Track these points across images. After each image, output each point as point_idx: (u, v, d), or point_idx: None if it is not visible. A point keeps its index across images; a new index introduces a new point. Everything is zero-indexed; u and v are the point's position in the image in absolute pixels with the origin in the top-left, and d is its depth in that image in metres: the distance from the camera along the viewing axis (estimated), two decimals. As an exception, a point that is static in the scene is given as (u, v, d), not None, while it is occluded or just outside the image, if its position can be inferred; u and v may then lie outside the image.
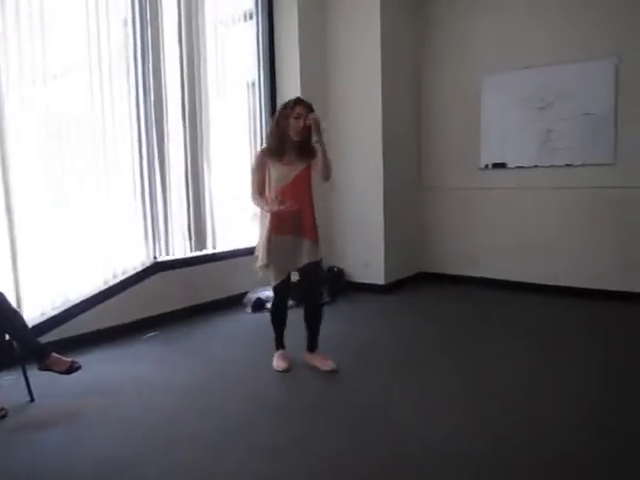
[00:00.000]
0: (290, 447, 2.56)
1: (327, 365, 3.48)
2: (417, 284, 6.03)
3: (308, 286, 3.52)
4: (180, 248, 4.82)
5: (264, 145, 3.63)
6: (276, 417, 2.89)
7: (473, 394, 3.11)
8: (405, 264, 6.03)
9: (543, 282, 5.42)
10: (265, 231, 3.36)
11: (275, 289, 3.54)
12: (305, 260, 3.39)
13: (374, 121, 5.51)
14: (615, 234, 5.08)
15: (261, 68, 5.52)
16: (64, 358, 3.16)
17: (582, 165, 5.20)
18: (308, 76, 5.50)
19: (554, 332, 4.26)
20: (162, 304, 4.58)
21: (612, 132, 5.02)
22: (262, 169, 3.38)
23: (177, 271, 4.71)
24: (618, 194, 5.02)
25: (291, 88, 5.37)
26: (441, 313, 4.93)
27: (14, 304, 3.37)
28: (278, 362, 3.58)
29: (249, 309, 5.03)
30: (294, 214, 3.28)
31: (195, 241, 4.93)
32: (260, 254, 3.41)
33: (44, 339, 3.54)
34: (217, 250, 5.11)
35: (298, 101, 3.33)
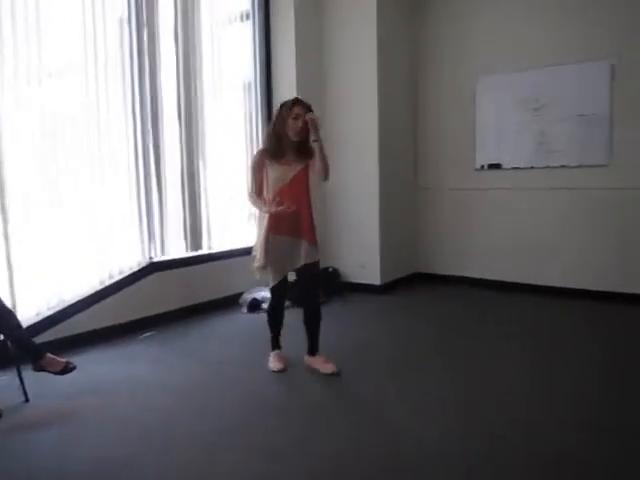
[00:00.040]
0: (286, 447, 2.56)
1: (328, 368, 3.45)
2: (413, 284, 6.04)
3: (306, 287, 3.51)
4: (176, 248, 4.81)
5: (262, 145, 3.62)
6: (272, 417, 2.89)
7: (469, 394, 3.11)
8: (401, 264, 6.03)
9: (538, 283, 5.43)
10: (263, 231, 3.36)
11: (272, 290, 3.53)
12: (303, 261, 3.38)
13: (370, 122, 5.52)
14: (610, 235, 5.10)
15: (257, 69, 5.52)
16: (59, 359, 3.16)
17: (578, 166, 5.21)
18: (304, 77, 5.50)
19: (550, 333, 4.27)
20: (158, 304, 4.57)
21: (607, 133, 5.05)
22: (260, 170, 3.38)
23: (173, 271, 4.71)
24: (613, 195, 5.04)
25: (287, 89, 5.37)
26: (437, 313, 4.94)
27: (9, 304, 3.36)
28: (274, 362, 3.57)
29: (245, 309, 5.03)
30: (292, 214, 3.27)
31: (191, 241, 4.92)
32: (258, 254, 3.40)
33: (39, 339, 3.53)
34: (213, 250, 5.11)
35: (296, 101, 3.33)
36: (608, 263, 5.10)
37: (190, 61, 4.82)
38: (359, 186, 5.63)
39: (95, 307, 4.13)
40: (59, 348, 3.49)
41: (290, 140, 3.30)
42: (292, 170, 3.34)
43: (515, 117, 5.52)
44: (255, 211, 3.52)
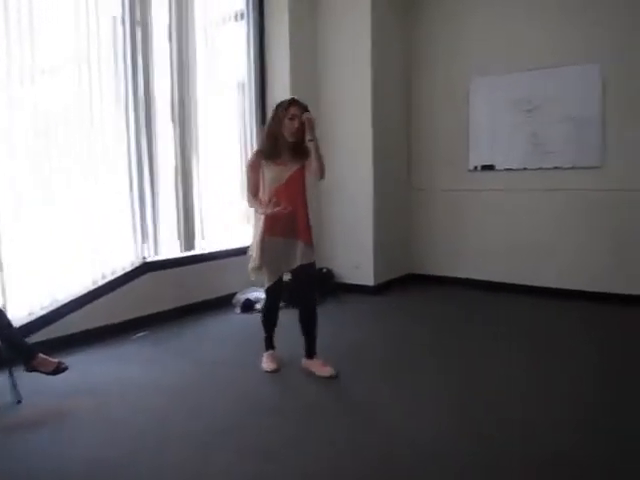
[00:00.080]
0: (280, 447, 2.55)
1: (326, 371, 3.41)
2: (406, 285, 6.04)
3: (302, 288, 3.49)
4: (169, 248, 4.80)
5: (258, 146, 3.61)
6: (266, 417, 2.88)
7: (463, 395, 3.12)
8: (395, 265, 6.04)
9: (534, 284, 5.45)
10: (259, 232, 3.35)
11: (267, 290, 3.52)
12: (299, 261, 3.36)
13: (364, 122, 5.52)
14: (605, 236, 5.12)
15: (251, 69, 5.52)
16: (51, 359, 3.14)
17: (571, 168, 5.24)
18: (298, 76, 5.49)
19: (545, 333, 4.28)
20: (151, 304, 4.56)
21: (600, 135, 5.07)
22: (256, 170, 3.37)
23: (166, 271, 4.69)
24: (607, 197, 5.07)
25: (281, 88, 5.36)
26: (430, 314, 4.94)
27: (0, 303, 3.34)
28: (267, 363, 3.57)
29: (238, 310, 5.02)
30: (288, 215, 3.26)
31: (184, 241, 4.91)
32: (254, 254, 3.40)
33: (32, 339, 3.51)
34: (206, 250, 5.09)
35: (293, 102, 3.32)
36: (604, 264, 5.11)
37: (184, 60, 4.81)
38: (353, 187, 5.63)
39: (88, 307, 4.11)
40: (52, 348, 3.47)
41: (286, 140, 3.30)
42: (288, 170, 3.33)
43: (508, 118, 5.54)
44: (251, 211, 3.50)
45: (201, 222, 5.05)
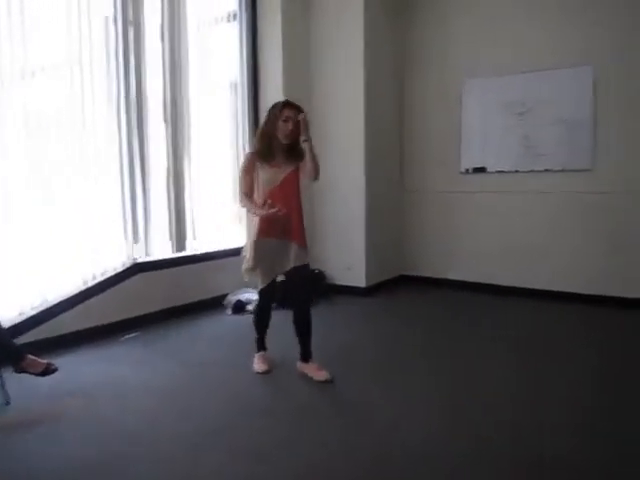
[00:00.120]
0: (272, 449, 2.55)
1: (321, 375, 3.37)
2: (398, 287, 6.05)
3: (296, 290, 3.46)
4: (161, 249, 4.78)
5: (252, 147, 3.59)
6: (257, 419, 2.87)
7: (454, 397, 3.12)
8: (386, 267, 6.05)
9: (524, 286, 5.47)
10: (253, 234, 3.35)
11: (261, 292, 3.51)
12: (292, 263, 3.35)
13: (357, 123, 5.53)
14: (596, 239, 5.14)
15: (244, 69, 5.51)
16: (40, 360, 3.13)
17: (561, 170, 5.27)
18: (291, 77, 5.49)
19: (540, 336, 4.29)
20: (142, 305, 4.53)
21: (591, 138, 5.10)
22: (250, 172, 3.35)
23: (157, 272, 4.67)
24: (596, 200, 5.10)
25: (274, 89, 5.36)
26: (422, 316, 4.95)
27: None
28: (259, 364, 3.56)
29: (229, 311, 5.01)
30: (282, 217, 3.24)
31: (176, 242, 4.89)
32: (248, 255, 3.38)
33: (22, 339, 3.49)
34: (198, 251, 5.07)
35: (287, 103, 3.31)
36: (598, 267, 5.13)
37: (176, 61, 4.80)
38: (345, 188, 5.63)
39: (79, 308, 4.08)
40: (42, 349, 3.45)
41: (280, 142, 3.29)
42: (282, 172, 3.32)
43: (500, 121, 5.57)
44: (243, 212, 3.49)
45: (192, 223, 5.03)
